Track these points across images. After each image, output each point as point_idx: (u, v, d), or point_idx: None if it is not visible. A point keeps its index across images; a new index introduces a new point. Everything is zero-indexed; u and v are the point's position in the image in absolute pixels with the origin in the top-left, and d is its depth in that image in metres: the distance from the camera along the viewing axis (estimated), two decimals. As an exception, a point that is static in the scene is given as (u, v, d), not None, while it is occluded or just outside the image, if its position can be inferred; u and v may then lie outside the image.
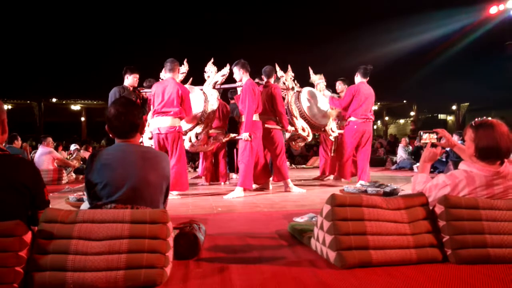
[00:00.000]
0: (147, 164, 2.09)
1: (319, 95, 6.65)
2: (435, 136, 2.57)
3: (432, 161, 2.46)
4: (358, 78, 6.00)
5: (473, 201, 2.07)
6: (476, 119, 2.24)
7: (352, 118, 5.91)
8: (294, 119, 6.35)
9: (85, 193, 2.18)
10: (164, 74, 5.22)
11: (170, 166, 2.34)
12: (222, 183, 6.81)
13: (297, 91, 6.46)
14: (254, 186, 5.62)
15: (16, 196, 1.83)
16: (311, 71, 6.89)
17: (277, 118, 5.56)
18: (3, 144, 1.99)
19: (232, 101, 7.05)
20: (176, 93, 4.90)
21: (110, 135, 2.18)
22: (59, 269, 1.70)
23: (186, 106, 5.03)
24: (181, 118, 5.04)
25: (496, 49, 16.10)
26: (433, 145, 2.48)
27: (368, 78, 5.99)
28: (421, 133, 2.64)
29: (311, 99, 6.44)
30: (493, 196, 2.13)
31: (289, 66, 6.44)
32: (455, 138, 7.91)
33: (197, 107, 5.54)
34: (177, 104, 4.90)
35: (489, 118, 2.22)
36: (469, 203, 2.07)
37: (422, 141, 2.64)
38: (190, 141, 5.63)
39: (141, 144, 4.38)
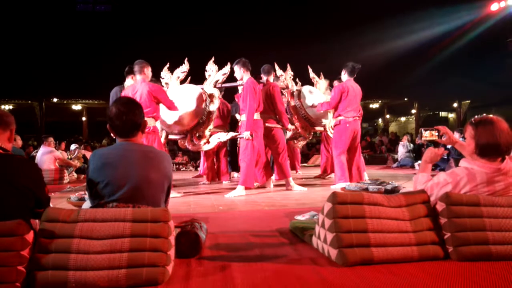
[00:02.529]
0: (148, 163, 2.09)
1: (318, 93, 6.64)
2: (436, 133, 2.57)
3: (434, 162, 2.46)
4: (345, 76, 5.76)
5: (474, 198, 2.07)
6: (476, 116, 2.25)
7: (342, 117, 5.65)
8: (295, 117, 6.35)
9: (86, 192, 2.19)
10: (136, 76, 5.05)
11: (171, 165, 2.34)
12: (223, 181, 6.82)
13: (297, 89, 6.46)
14: (256, 184, 5.62)
15: (18, 197, 1.84)
16: (310, 70, 6.89)
17: (277, 117, 5.55)
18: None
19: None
20: (147, 94, 4.79)
21: (112, 134, 2.18)
22: (61, 268, 1.71)
23: (165, 102, 4.94)
24: (155, 118, 4.95)
25: (498, 46, 16.06)
26: (434, 142, 2.49)
27: (355, 76, 5.76)
28: (422, 130, 2.65)
29: (311, 97, 6.44)
30: (494, 193, 2.12)
31: (288, 65, 6.44)
32: (456, 135, 7.90)
33: (197, 106, 5.54)
34: (150, 104, 4.80)
35: (490, 115, 2.22)
36: (471, 200, 2.06)
37: (423, 138, 2.64)
38: (191, 140, 5.64)
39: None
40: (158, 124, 5.16)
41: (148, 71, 5.06)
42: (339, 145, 5.69)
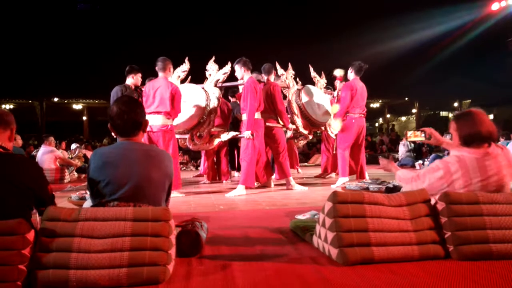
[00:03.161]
0: (150, 162, 2.09)
1: (319, 92, 6.63)
2: (423, 135, 2.68)
3: (390, 165, 2.62)
4: (352, 75, 5.77)
5: (473, 196, 2.08)
6: (456, 112, 2.37)
7: (349, 114, 5.68)
8: (295, 117, 6.34)
9: (87, 191, 2.19)
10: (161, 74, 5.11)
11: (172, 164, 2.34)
12: (224, 181, 6.82)
13: (297, 89, 6.45)
14: (256, 184, 5.62)
15: (19, 196, 1.85)
16: (311, 69, 6.88)
17: (278, 116, 5.55)
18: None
19: (233, 100, 7.05)
20: (170, 92, 4.84)
21: (113, 134, 2.18)
22: (62, 267, 1.71)
23: (175, 104, 4.97)
24: (173, 118, 5.01)
25: (498, 45, 16.05)
26: (423, 143, 2.61)
27: (361, 75, 5.76)
28: (406, 131, 2.78)
29: (311, 96, 6.43)
30: (488, 178, 2.16)
31: (289, 64, 6.43)
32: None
33: (198, 105, 5.54)
34: (170, 104, 4.85)
35: (470, 109, 2.36)
36: (470, 198, 2.07)
37: (408, 139, 2.77)
38: (192, 139, 5.64)
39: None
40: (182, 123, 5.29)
41: (171, 68, 5.13)
42: (344, 140, 5.74)
